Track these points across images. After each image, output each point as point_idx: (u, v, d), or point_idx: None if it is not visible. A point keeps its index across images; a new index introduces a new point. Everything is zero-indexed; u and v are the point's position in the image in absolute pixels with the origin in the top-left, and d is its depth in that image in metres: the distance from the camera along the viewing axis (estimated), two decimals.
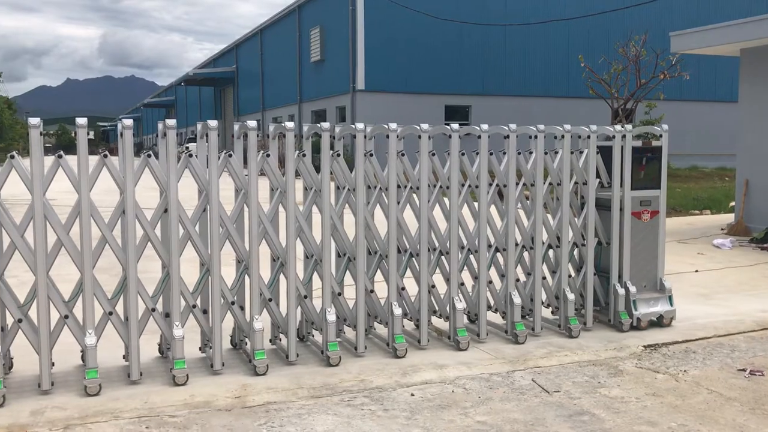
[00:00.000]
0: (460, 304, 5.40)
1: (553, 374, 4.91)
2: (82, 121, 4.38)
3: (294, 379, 4.74)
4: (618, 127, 5.92)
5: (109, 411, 4.17)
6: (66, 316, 4.50)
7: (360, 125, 5.08)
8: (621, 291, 5.92)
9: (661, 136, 6.10)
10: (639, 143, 6.04)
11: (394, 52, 30.94)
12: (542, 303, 5.87)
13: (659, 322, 6.06)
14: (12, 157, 4.29)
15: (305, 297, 5.15)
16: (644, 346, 5.54)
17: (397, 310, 5.22)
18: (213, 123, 4.73)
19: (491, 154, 5.51)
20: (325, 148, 4.97)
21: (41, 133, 4.24)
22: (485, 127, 5.43)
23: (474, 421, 4.10)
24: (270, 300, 5.02)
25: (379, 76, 30.84)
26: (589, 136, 5.83)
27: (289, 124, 4.88)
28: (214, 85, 54.25)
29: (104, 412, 4.16)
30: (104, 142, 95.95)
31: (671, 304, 6.10)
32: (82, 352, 4.75)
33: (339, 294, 5.22)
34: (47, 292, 4.38)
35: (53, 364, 4.54)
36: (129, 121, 4.59)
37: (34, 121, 4.27)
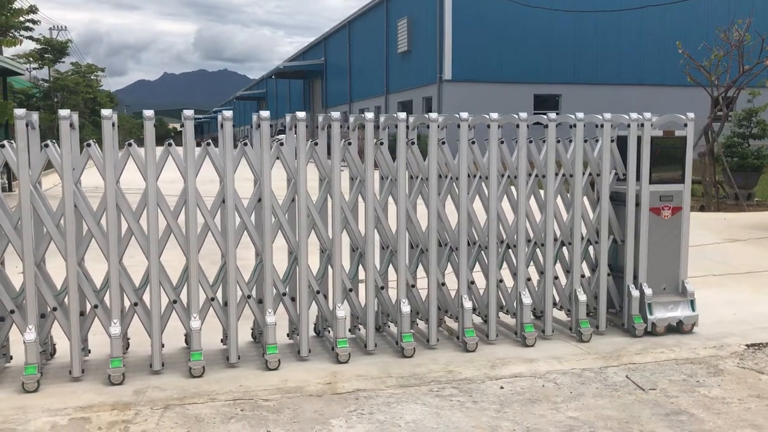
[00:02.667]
0: (528, 300, 5.30)
1: (649, 371, 4.75)
2: (189, 113, 4.57)
3: (383, 367, 4.78)
4: (635, 114, 5.42)
5: (206, 393, 4.33)
6: (175, 301, 4.72)
7: (433, 115, 5.05)
8: (635, 293, 5.49)
9: (685, 125, 5.52)
10: (660, 133, 5.51)
11: (481, 41, 30.59)
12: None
13: (678, 328, 5.55)
14: (129, 145, 4.52)
15: (382, 288, 5.19)
16: (747, 345, 5.28)
17: (468, 304, 5.18)
18: (301, 114, 4.81)
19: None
20: (401, 138, 4.96)
21: (154, 125, 4.47)
22: (524, 115, 5.24)
23: (565, 416, 4.02)
24: (351, 290, 5.10)
25: (466, 65, 30.57)
26: (602, 125, 5.39)
27: (369, 115, 4.90)
28: (303, 77, 55.18)
29: (201, 393, 4.32)
30: (199, 134, 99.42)
31: (693, 309, 5.58)
32: (186, 335, 4.96)
33: (413, 286, 5.22)
34: (159, 277, 4.60)
35: (163, 346, 4.75)
36: (229, 113, 4.73)
37: (148, 113, 4.49)
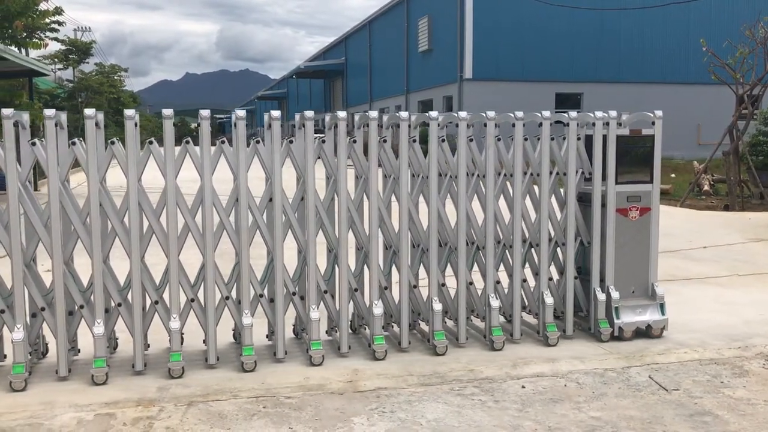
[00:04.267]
0: (550, 299, 5.27)
1: (672, 372, 4.71)
2: (205, 113, 4.66)
3: (404, 366, 4.79)
4: (599, 113, 5.27)
5: (229, 390, 4.36)
6: (192, 300, 4.77)
7: (463, 113, 5.05)
8: (601, 296, 5.32)
9: (653, 123, 5.32)
10: (626, 131, 5.33)
11: (502, 39, 30.47)
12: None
13: (647, 332, 5.40)
14: (150, 143, 4.57)
15: (414, 287, 5.20)
16: None
17: (495, 303, 5.17)
18: (309, 113, 4.83)
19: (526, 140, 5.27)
20: (432, 136, 4.98)
21: (174, 124, 4.55)
22: (519, 114, 5.19)
23: (588, 416, 4.00)
24: (386, 288, 5.13)
25: (487, 64, 30.47)
26: (567, 124, 5.26)
27: (373, 113, 4.92)
28: (324, 77, 55.34)
29: (224, 390, 4.35)
30: (220, 133, 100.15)
31: (663, 313, 5.40)
32: (234, 330, 5.09)
33: (443, 285, 5.22)
34: (177, 276, 4.67)
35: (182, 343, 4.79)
36: (242, 112, 4.77)
37: (167, 112, 4.57)
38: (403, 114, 4.96)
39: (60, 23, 25.52)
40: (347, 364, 4.83)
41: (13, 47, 19.81)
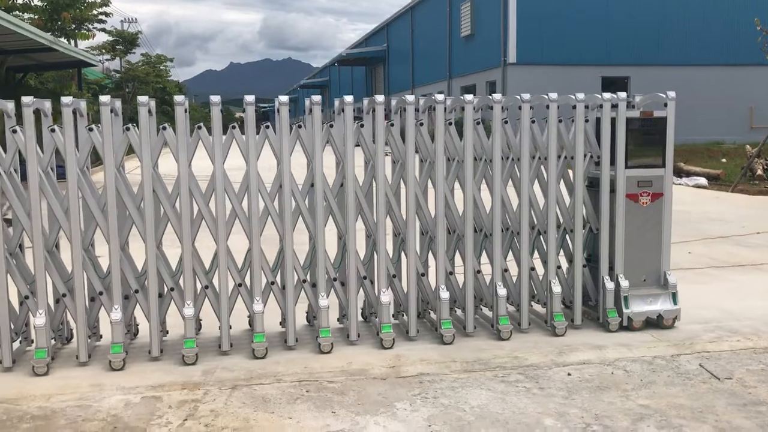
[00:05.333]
0: (557, 288, 5.14)
1: (724, 360, 4.57)
2: (250, 98, 4.65)
3: (447, 352, 4.75)
4: (608, 94, 5.05)
5: (272, 374, 4.39)
6: (240, 284, 4.81)
7: (497, 96, 4.96)
8: (610, 285, 5.15)
9: (665, 105, 5.10)
10: (637, 113, 5.12)
11: (546, 22, 29.93)
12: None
13: (658, 322, 5.20)
14: (199, 128, 4.61)
15: (450, 273, 5.15)
16: None
17: (557, 288, 5.10)
18: (348, 98, 4.80)
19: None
20: (468, 119, 4.90)
21: (221, 111, 4.59)
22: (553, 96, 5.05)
23: (636, 404, 3.91)
24: (423, 275, 5.10)
25: (531, 48, 29.99)
26: (575, 106, 5.06)
27: (410, 97, 4.86)
28: (366, 64, 55.24)
29: (267, 374, 4.38)
30: (263, 121, 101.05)
31: (675, 303, 5.20)
32: (249, 317, 5.05)
33: (478, 272, 5.17)
34: (226, 261, 4.72)
35: (230, 327, 4.84)
36: (285, 98, 4.77)
37: (215, 98, 4.60)
38: (439, 96, 4.89)
39: (107, 14, 26.02)
40: (393, 349, 4.81)
41: (62, 39, 20.22)
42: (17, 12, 19.59)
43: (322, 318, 4.78)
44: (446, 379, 4.30)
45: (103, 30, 30.19)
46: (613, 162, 5.09)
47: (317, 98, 4.78)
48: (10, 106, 4.52)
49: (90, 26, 24.78)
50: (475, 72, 34.04)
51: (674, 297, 5.23)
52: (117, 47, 39.65)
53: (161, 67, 46.60)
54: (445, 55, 38.12)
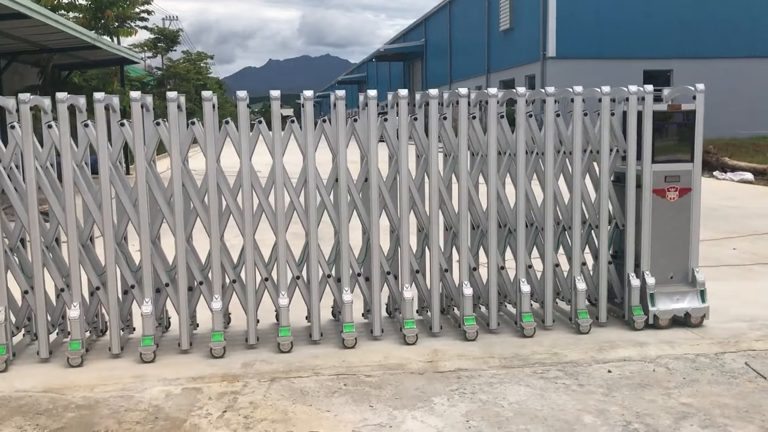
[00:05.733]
0: (582, 285, 5.06)
1: None
2: (309, 93, 4.72)
3: (485, 347, 4.72)
4: (634, 87, 4.93)
5: (310, 367, 4.41)
6: (266, 279, 4.84)
7: (521, 89, 4.91)
8: (635, 282, 5.04)
9: (694, 97, 4.98)
10: (664, 107, 5.00)
11: (587, 15, 29.50)
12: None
13: (686, 320, 5.09)
14: (227, 122, 4.66)
15: (502, 268, 5.11)
16: None
17: (581, 285, 5.03)
18: (372, 92, 4.79)
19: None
20: (492, 113, 4.86)
21: (248, 106, 4.62)
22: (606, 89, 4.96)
23: (678, 402, 3.84)
24: (446, 271, 5.09)
25: (571, 41, 29.59)
26: (600, 99, 4.94)
27: (433, 92, 4.83)
28: (404, 59, 55.14)
29: (306, 368, 4.41)
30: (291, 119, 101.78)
31: (703, 300, 5.07)
32: (276, 311, 5.06)
33: (530, 266, 5.11)
34: (253, 255, 4.75)
35: (258, 322, 4.89)
36: (309, 93, 4.77)
37: (241, 94, 4.63)
38: (462, 90, 4.86)
39: (149, 12, 26.45)
40: (427, 344, 4.81)
41: (105, 36, 20.60)
42: (62, 11, 20.01)
43: (346, 313, 4.81)
44: (484, 374, 4.27)
45: (145, 28, 30.73)
46: (639, 156, 5.00)
47: (341, 93, 4.79)
48: (46, 102, 4.63)
49: (132, 24, 25.20)
50: (514, 66, 33.74)
51: (702, 295, 5.11)
52: (158, 45, 40.28)
53: (202, 65, 47.23)
54: (483, 50, 37.86)
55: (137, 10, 24.91)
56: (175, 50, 42.62)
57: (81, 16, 21.11)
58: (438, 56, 47.29)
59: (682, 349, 4.65)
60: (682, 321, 5.10)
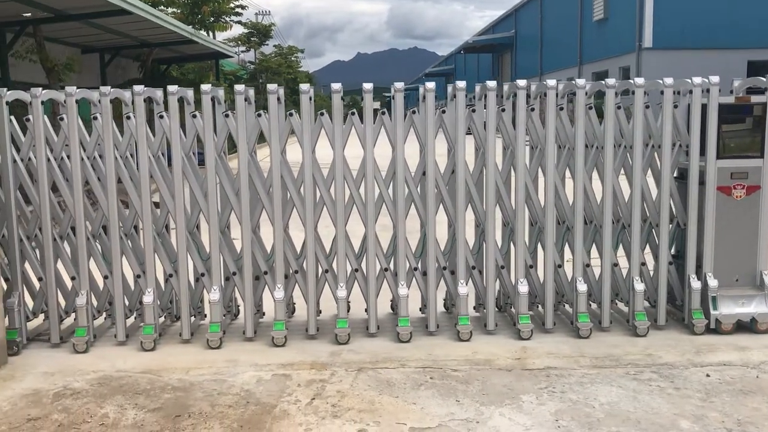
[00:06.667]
0: (640, 286, 4.84)
1: None
2: (399, 85, 4.74)
3: (575, 346, 4.61)
4: (698, 79, 4.60)
5: (397, 359, 4.43)
6: (356, 270, 4.89)
7: (611, 81, 4.73)
8: (696, 284, 4.76)
9: (765, 90, 4.66)
10: (731, 99, 4.68)
11: (686, 4, 28.27)
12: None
13: (751, 326, 4.75)
14: (322, 114, 4.72)
15: (587, 265, 4.97)
16: None
17: (696, 284, 4.82)
18: (461, 84, 4.72)
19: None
20: (580, 105, 4.71)
21: (342, 98, 4.67)
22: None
23: None
24: (531, 267, 5.00)
25: (669, 31, 28.44)
26: (662, 92, 4.65)
27: (521, 82, 4.72)
28: (492, 51, 54.48)
29: (392, 359, 4.43)
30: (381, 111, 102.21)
31: None
32: (391, 301, 5.19)
33: (615, 265, 4.96)
34: (345, 247, 4.81)
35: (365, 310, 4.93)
36: (400, 85, 4.76)
37: (335, 86, 4.69)
38: (551, 82, 4.73)
39: (243, 7, 27.14)
40: (512, 340, 4.73)
41: (202, 31, 21.29)
42: (162, 6, 20.83)
43: (433, 308, 4.79)
44: (574, 374, 4.17)
45: (239, 23, 31.56)
46: (703, 152, 4.74)
47: (431, 85, 4.75)
48: (158, 93, 4.83)
49: (227, 19, 25.94)
50: (608, 57, 32.76)
51: None
52: (252, 39, 41.29)
53: (292, 58, 48.13)
54: (575, 41, 36.94)
55: (232, 5, 25.62)
56: (267, 44, 43.62)
57: (179, 11, 21.92)
58: (528, 48, 46.46)
59: None
60: (748, 326, 4.82)
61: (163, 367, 4.37)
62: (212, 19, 24.16)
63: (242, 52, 42.28)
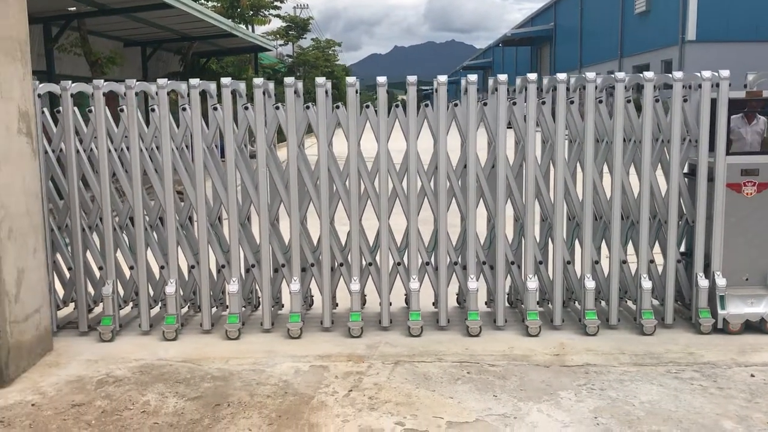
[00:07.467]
0: (647, 284, 4.76)
1: None
2: (443, 78, 4.71)
3: (615, 343, 4.55)
4: (707, 73, 4.47)
5: (434, 353, 4.42)
6: (370, 264, 4.90)
7: (620, 74, 4.64)
8: (703, 283, 4.65)
9: None
10: (742, 94, 4.55)
11: None
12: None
13: (761, 326, 4.63)
14: (367, 107, 4.73)
15: (596, 262, 4.92)
16: None
17: (647, 284, 4.77)
18: (532, 76, 4.68)
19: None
20: (618, 96, 4.64)
21: (388, 92, 4.71)
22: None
23: None
24: (569, 263, 4.94)
25: (713, 23, 27.79)
26: (671, 85, 4.53)
27: (561, 76, 4.65)
28: (531, 44, 53.92)
29: (429, 353, 4.42)
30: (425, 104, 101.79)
31: None
32: (405, 295, 5.13)
33: (624, 262, 4.90)
34: (388, 240, 4.82)
35: (390, 304, 4.93)
36: (443, 78, 4.73)
37: (381, 79, 4.71)
38: (590, 75, 4.66)
39: (281, 1, 27.26)
40: (551, 336, 4.69)
41: (241, 25, 21.46)
42: (202, 0, 21.05)
43: (471, 301, 4.77)
44: (614, 371, 4.11)
45: (278, 16, 31.69)
46: (712, 147, 4.61)
47: (473, 77, 4.72)
48: (212, 86, 4.92)
49: (266, 12, 26.10)
50: (649, 51, 32.17)
51: None
52: (290, 33, 41.48)
53: (330, 52, 48.21)
54: (616, 33, 36.35)
55: None
56: (305, 38, 43.76)
57: (218, 5, 22.12)
58: (567, 40, 45.85)
59: None
60: (757, 327, 4.70)
61: (203, 356, 4.44)
62: (251, 12, 24.33)
63: (280, 45, 42.51)
